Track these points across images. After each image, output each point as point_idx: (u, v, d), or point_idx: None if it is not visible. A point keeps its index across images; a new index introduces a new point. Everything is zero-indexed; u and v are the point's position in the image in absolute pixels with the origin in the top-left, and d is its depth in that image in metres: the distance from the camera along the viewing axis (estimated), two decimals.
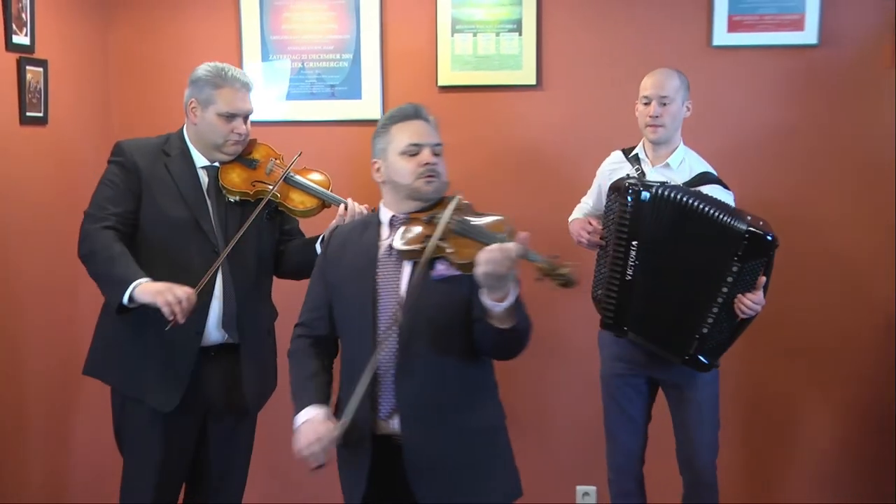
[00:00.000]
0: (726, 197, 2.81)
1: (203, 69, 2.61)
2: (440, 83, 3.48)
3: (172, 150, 2.62)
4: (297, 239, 2.79)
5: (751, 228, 2.59)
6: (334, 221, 2.58)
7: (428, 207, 2.16)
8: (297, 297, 2.37)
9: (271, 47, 3.56)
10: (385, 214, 2.23)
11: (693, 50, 3.35)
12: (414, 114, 2.22)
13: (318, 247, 2.64)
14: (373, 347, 2.10)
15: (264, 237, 2.70)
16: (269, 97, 3.55)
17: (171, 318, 2.34)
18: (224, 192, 2.61)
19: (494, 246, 1.90)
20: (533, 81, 3.44)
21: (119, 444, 2.69)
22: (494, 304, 1.95)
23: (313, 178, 2.73)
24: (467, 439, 2.15)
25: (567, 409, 3.60)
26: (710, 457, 2.93)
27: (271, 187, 2.62)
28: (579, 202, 3.20)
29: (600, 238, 2.88)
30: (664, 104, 2.86)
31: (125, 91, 3.68)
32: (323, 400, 2.19)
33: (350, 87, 3.54)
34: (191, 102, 2.60)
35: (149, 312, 2.40)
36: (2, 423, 3.02)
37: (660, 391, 3.04)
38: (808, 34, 3.27)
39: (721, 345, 2.76)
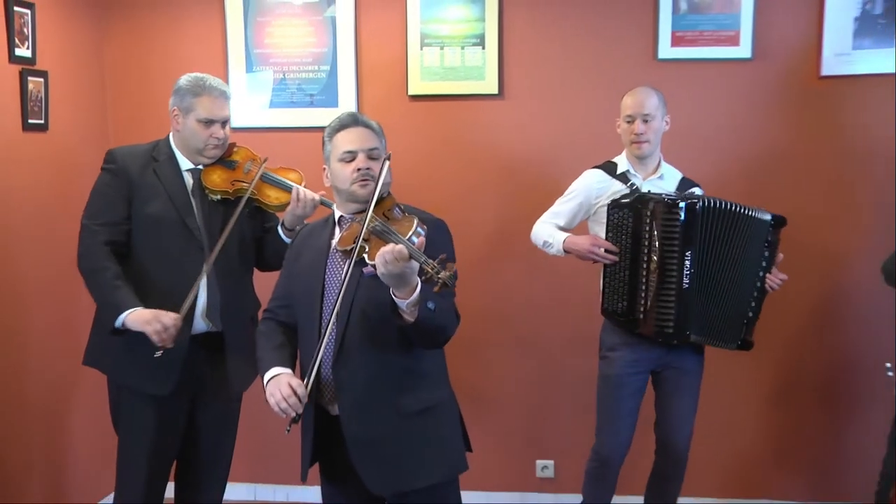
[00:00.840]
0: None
1: (184, 79, 2.69)
2: (410, 92, 3.63)
3: (160, 155, 2.70)
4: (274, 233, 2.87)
5: (773, 215, 2.86)
6: (289, 208, 2.70)
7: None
8: None
9: (255, 59, 3.69)
10: (337, 215, 2.31)
11: (640, 62, 3.51)
12: (352, 122, 2.26)
13: (280, 232, 2.76)
14: (317, 339, 2.16)
15: (245, 233, 2.79)
16: (253, 105, 3.67)
17: (160, 345, 2.46)
18: (207, 192, 2.70)
19: (386, 247, 1.93)
20: (495, 91, 3.59)
21: (115, 423, 2.79)
22: (399, 300, 2.00)
23: (287, 176, 2.80)
24: (403, 423, 2.18)
25: (528, 393, 3.71)
26: (689, 436, 3.04)
27: (248, 185, 2.71)
28: (543, 217, 3.13)
29: (608, 252, 2.92)
30: (646, 121, 2.95)
31: (120, 99, 3.80)
32: (287, 365, 2.24)
33: (328, 96, 3.68)
34: (174, 110, 2.69)
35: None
36: (6, 415, 3.13)
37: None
38: (743, 49, 3.46)
39: (755, 322, 2.94)
